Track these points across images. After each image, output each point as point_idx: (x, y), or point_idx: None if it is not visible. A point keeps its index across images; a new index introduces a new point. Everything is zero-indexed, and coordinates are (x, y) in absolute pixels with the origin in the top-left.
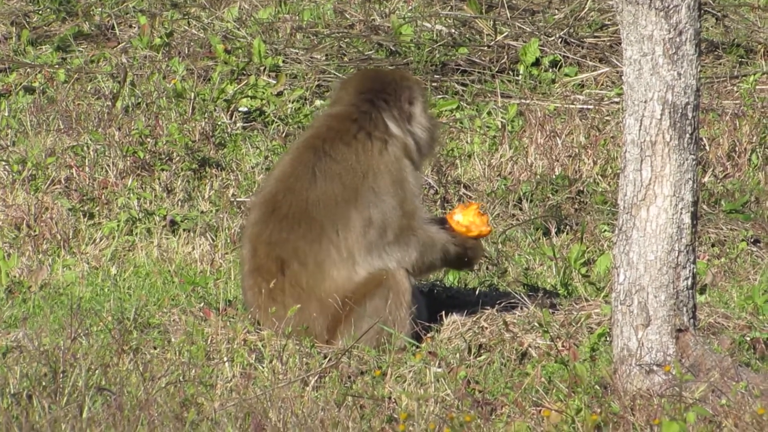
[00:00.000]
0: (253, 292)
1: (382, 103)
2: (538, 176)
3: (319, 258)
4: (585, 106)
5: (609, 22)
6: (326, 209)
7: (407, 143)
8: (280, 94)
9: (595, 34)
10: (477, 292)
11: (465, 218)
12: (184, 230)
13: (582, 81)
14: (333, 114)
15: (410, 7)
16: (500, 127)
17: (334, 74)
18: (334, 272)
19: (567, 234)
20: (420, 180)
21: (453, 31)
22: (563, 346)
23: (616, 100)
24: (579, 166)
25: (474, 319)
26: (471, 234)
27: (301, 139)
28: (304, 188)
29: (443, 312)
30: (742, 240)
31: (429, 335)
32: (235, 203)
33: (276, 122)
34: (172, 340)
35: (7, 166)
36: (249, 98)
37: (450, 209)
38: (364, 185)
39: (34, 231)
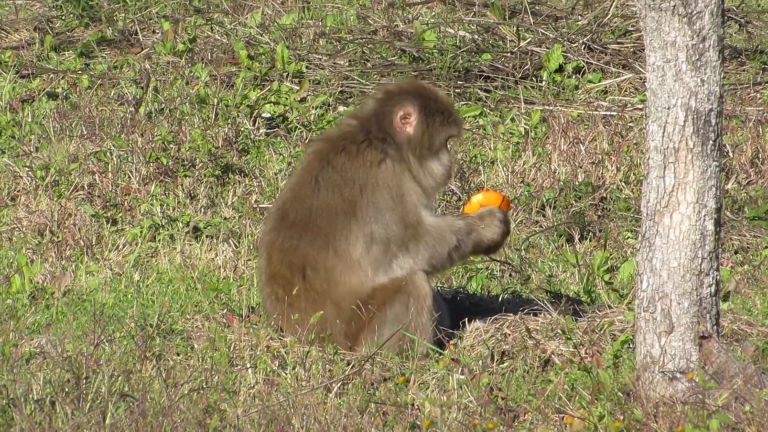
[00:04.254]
0: (271, 300)
1: (377, 116)
2: (562, 183)
3: (329, 265)
4: (608, 113)
5: (632, 29)
6: (328, 219)
7: (405, 158)
8: (303, 100)
9: (619, 40)
10: (500, 299)
11: (476, 200)
12: (207, 236)
13: (605, 87)
14: (345, 123)
15: (433, 13)
16: (523, 133)
17: (357, 80)
18: (345, 278)
19: (590, 241)
20: (423, 193)
21: (476, 37)
22: (586, 353)
23: (640, 106)
24: (602, 173)
25: (497, 326)
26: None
27: (314, 145)
28: (307, 196)
29: (466, 319)
30: (766, 247)
31: (452, 342)
32: (258, 209)
33: (299, 128)
34: (195, 346)
35: (30, 172)
36: (272, 104)
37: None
38: (363, 199)
39: (57, 237)
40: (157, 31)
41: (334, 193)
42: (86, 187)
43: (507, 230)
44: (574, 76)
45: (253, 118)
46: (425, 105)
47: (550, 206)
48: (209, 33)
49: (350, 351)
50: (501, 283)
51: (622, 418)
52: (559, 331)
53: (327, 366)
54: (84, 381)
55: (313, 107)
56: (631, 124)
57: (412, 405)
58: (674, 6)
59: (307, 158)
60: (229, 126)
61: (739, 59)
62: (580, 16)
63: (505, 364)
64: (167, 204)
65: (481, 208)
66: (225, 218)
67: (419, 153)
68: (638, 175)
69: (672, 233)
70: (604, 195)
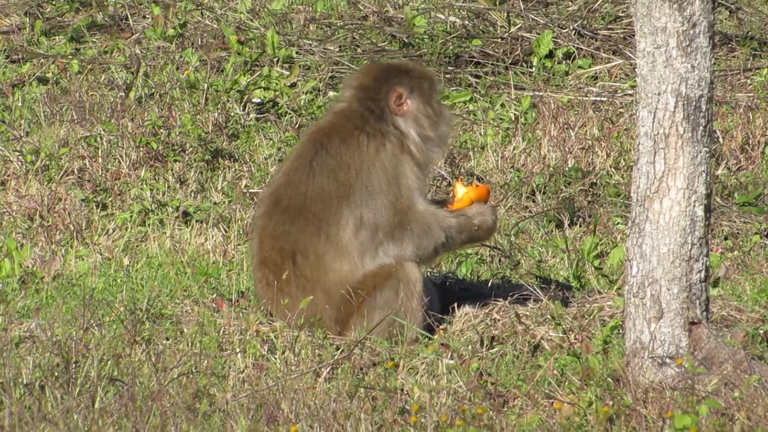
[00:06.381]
0: (262, 285)
1: (370, 103)
2: (552, 168)
3: (319, 251)
4: (598, 99)
5: (623, 14)
6: (322, 204)
7: (404, 140)
8: (293, 85)
9: (609, 26)
10: (489, 285)
11: (466, 195)
12: (196, 221)
13: (595, 73)
14: (335, 111)
15: None
16: (513, 119)
17: (348, 66)
18: (335, 265)
19: (580, 226)
20: (421, 173)
21: (467, 22)
22: (576, 339)
23: (630, 92)
24: (592, 159)
25: (486, 311)
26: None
27: (307, 133)
28: (302, 182)
29: (456, 304)
30: (756, 233)
31: (441, 327)
32: (248, 194)
33: (289, 113)
34: (185, 331)
35: (20, 157)
36: (262, 89)
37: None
38: (358, 182)
39: (47, 222)
40: (147, 16)
41: (328, 177)
42: (76, 172)
43: (496, 225)
44: (564, 62)
45: (243, 103)
46: (410, 80)
47: (540, 192)
48: (199, 18)
49: (340, 336)
50: (491, 268)
51: (611, 403)
52: (548, 316)
53: (316, 351)
54: (73, 365)
55: (303, 92)
56: (621, 110)
57: (402, 390)
58: None
59: (300, 144)
60: (219, 111)
61: (730, 45)
62: (570, 2)
63: (495, 350)
64: (157, 189)
65: (473, 205)
66: (215, 203)
67: (427, 121)
68: (628, 160)
69: (662, 219)
70: (594, 180)
